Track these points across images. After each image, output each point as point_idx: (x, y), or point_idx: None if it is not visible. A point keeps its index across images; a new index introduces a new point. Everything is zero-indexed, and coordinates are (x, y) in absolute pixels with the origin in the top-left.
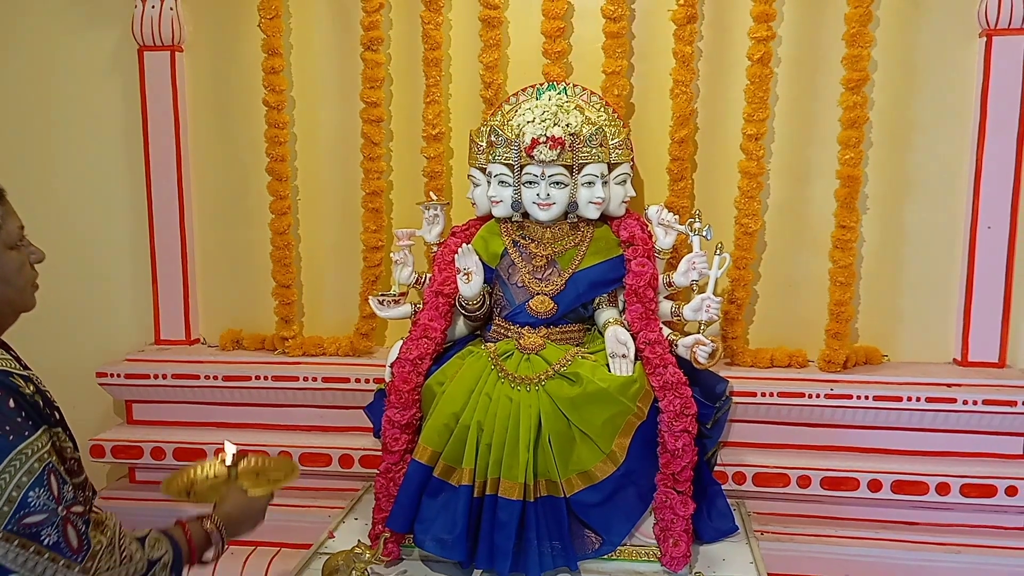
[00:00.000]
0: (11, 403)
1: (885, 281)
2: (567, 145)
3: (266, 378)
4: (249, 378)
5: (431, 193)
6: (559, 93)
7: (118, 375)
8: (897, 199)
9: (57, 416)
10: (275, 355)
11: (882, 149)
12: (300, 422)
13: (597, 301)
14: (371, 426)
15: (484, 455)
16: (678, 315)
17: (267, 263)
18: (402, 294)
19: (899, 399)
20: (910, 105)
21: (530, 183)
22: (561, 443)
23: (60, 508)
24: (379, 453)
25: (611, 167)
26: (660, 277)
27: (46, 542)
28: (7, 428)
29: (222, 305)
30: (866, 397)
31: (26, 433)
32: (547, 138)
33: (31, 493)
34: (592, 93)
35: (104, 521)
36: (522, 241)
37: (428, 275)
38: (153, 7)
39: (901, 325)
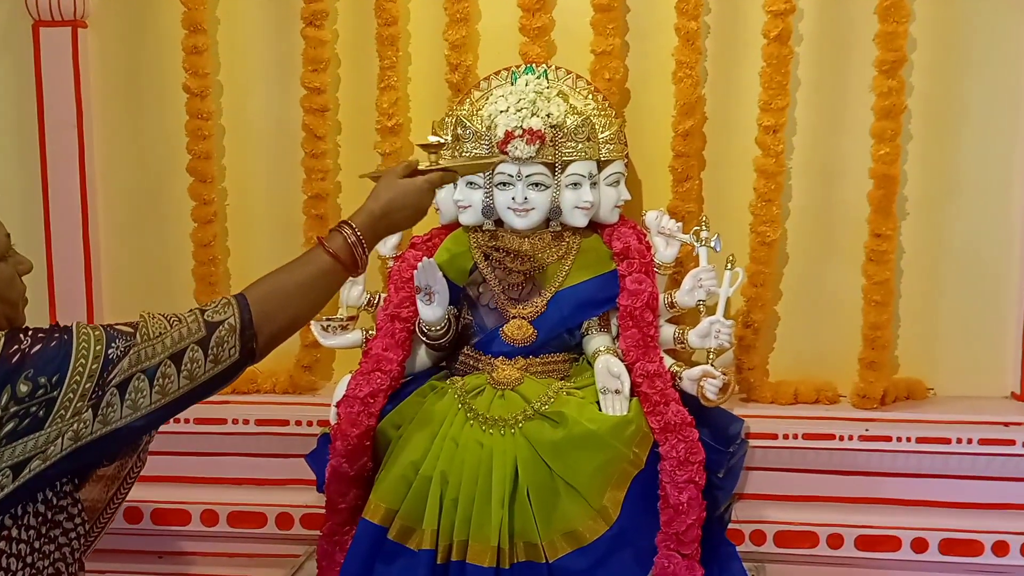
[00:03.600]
0: (39, 328)
1: (929, 300)
2: (548, 139)
3: (187, 420)
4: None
5: None
6: (539, 77)
7: None
8: (942, 202)
9: None
10: None
11: (923, 143)
12: (228, 474)
13: (585, 326)
14: (314, 478)
15: (449, 513)
16: (682, 342)
17: (189, 282)
18: (351, 318)
19: (947, 441)
20: (956, 91)
21: (504, 185)
22: (542, 498)
23: (137, 334)
24: (323, 511)
25: (601, 165)
26: (661, 296)
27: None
28: (55, 335)
29: None
30: (908, 439)
31: (69, 327)
32: (524, 131)
33: (110, 350)
34: (578, 77)
35: None
36: (495, 254)
37: (382, 295)
38: None
39: (949, 353)
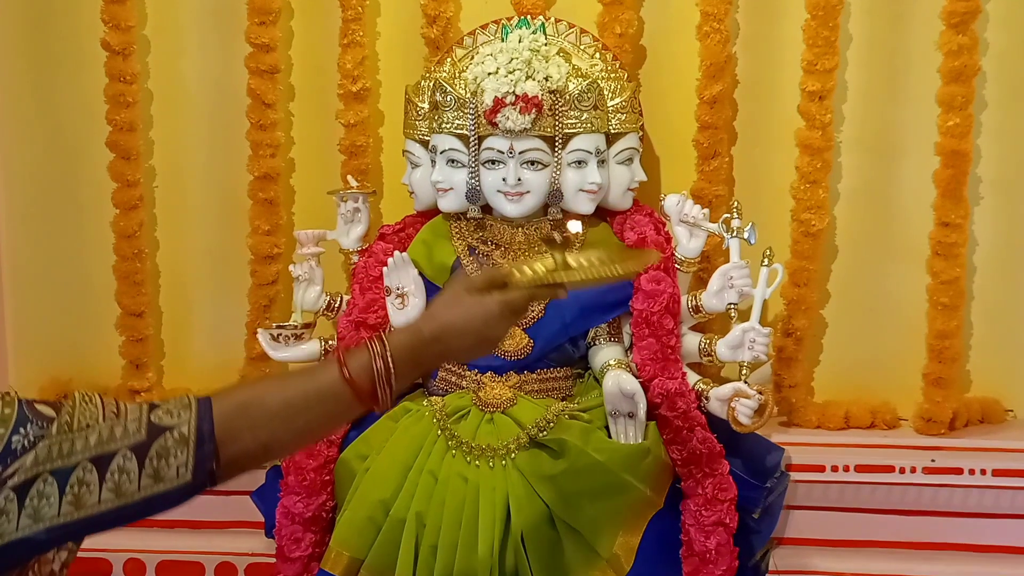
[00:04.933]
0: None
1: (1007, 303)
2: (546, 107)
3: None
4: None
5: (349, 177)
6: (535, 32)
7: None
8: (1023, 185)
9: None
10: None
11: (1000, 113)
12: (158, 515)
13: (591, 335)
14: (262, 520)
15: (427, 563)
16: (709, 354)
17: (110, 281)
18: (307, 325)
19: None
20: None
21: (493, 163)
22: (539, 544)
23: (56, 421)
24: (273, 560)
25: (611, 139)
26: (683, 299)
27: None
28: None
29: (43, 342)
30: (982, 471)
31: None
32: (517, 97)
33: (14, 437)
34: (583, 32)
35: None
36: (482, 247)
37: (345, 298)
38: None
39: None
